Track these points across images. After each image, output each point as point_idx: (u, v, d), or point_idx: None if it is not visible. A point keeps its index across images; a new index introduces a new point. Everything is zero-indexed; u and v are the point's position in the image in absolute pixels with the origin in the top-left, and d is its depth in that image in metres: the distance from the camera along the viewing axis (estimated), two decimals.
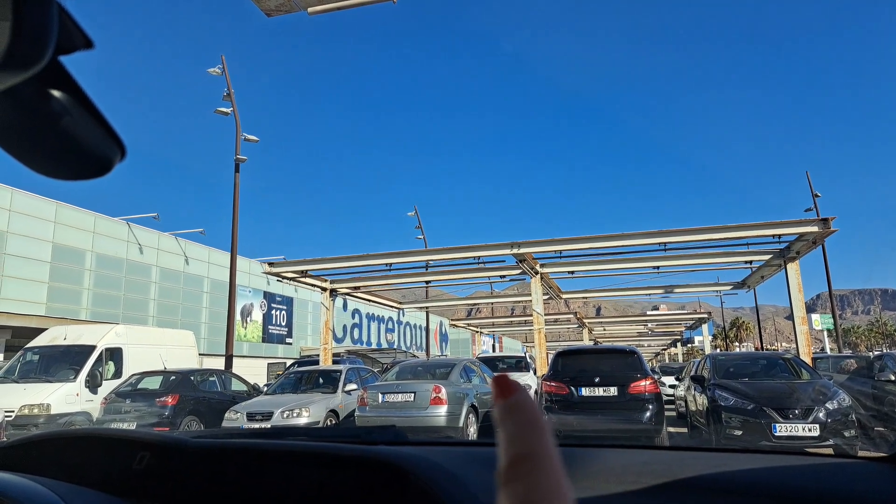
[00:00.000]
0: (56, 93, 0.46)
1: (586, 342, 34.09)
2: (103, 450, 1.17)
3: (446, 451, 1.23)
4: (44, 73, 0.43)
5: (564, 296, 22.33)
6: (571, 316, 33.19)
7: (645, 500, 0.94)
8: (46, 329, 14.17)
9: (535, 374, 15.52)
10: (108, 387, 12.28)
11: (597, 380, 9.21)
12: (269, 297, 33.83)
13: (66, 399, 11.68)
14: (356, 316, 41.51)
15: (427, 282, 20.49)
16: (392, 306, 25.09)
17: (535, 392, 13.59)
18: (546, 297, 19.00)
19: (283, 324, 35.35)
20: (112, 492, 1.06)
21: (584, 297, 24.40)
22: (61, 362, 12.55)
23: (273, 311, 34.38)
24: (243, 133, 18.26)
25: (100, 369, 12.63)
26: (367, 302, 23.81)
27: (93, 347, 12.72)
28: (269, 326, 34.00)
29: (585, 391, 9.17)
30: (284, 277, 17.95)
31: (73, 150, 0.48)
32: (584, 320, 34.81)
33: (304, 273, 17.73)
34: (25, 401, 11.21)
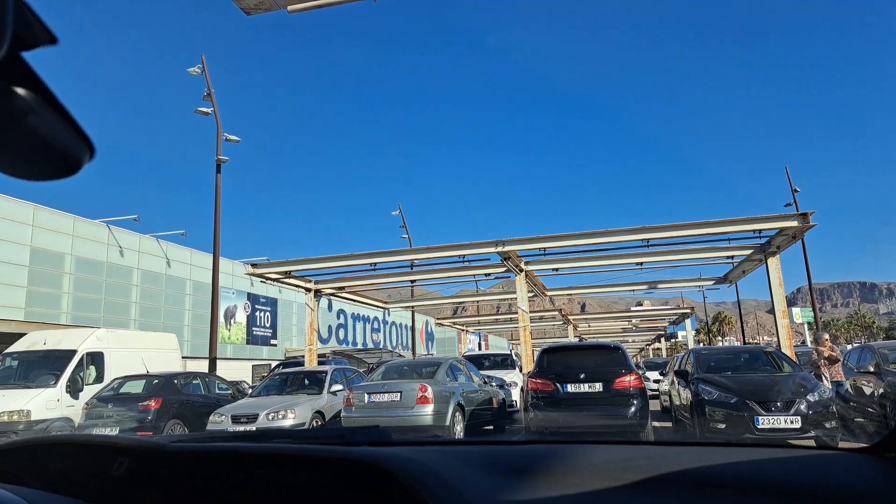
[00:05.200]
0: (19, 90, 0.44)
1: (571, 339, 34.30)
2: (81, 456, 1.15)
3: (431, 451, 1.23)
4: (5, 70, 0.41)
5: (549, 293, 22.44)
6: (556, 313, 33.39)
7: (629, 495, 0.94)
8: (25, 334, 13.92)
9: (520, 371, 15.58)
10: (89, 392, 12.10)
11: (582, 376, 9.28)
12: (253, 298, 33.56)
13: (47, 405, 11.49)
14: (341, 316, 41.33)
15: (412, 281, 20.47)
16: (377, 306, 25.02)
17: (522, 389, 13.65)
18: (531, 294, 19.08)
19: (268, 325, 35.09)
20: (90, 499, 1.04)
21: (568, 294, 24.55)
22: (41, 368, 12.34)
23: (257, 313, 34.11)
24: (224, 133, 18.08)
25: (81, 374, 12.43)
26: (352, 302, 23.72)
27: (73, 352, 12.52)
28: (254, 328, 33.73)
29: (571, 387, 9.23)
30: (268, 278, 17.81)
31: (39, 149, 0.47)
32: (569, 317, 35.03)
33: (287, 274, 17.61)
34: (5, 407, 11.01)
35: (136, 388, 11.81)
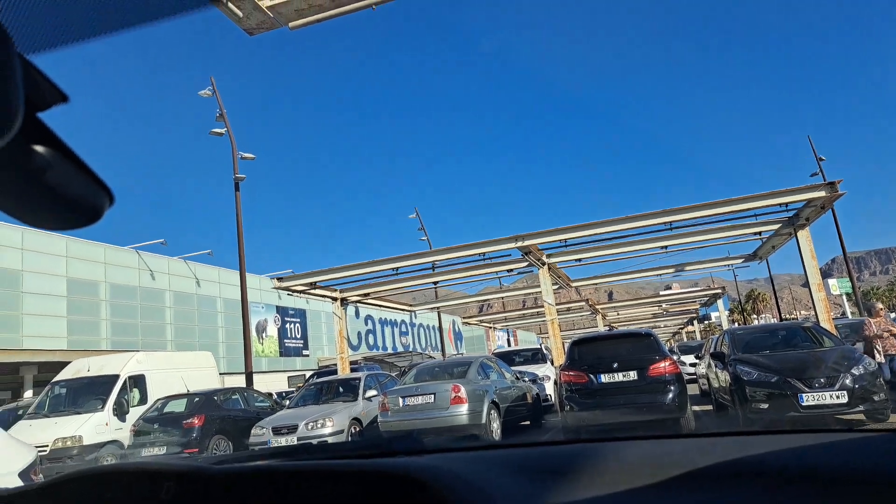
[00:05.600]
0: (38, 148, 0.47)
1: (601, 328, 33.99)
2: (130, 484, 1.19)
3: (464, 457, 1.24)
4: (23, 132, 0.44)
5: (574, 284, 22.29)
6: (583, 303, 33.11)
7: (666, 492, 0.94)
8: (70, 362, 14.34)
9: (552, 364, 15.51)
10: (135, 413, 12.42)
11: (615, 365, 9.17)
12: (282, 311, 34.00)
13: (97, 429, 11.82)
14: (369, 322, 41.61)
15: (435, 282, 20.52)
16: (403, 309, 25.17)
17: (555, 382, 13.60)
18: (556, 286, 18.98)
19: (299, 336, 35.51)
20: None
21: (594, 284, 24.32)
22: (88, 393, 12.70)
23: (287, 325, 34.54)
24: (239, 152, 18.32)
25: (125, 397, 12.77)
26: (378, 307, 23.87)
27: (116, 377, 12.86)
28: (285, 340, 34.17)
29: (605, 378, 9.14)
30: (294, 291, 18.03)
31: (61, 202, 0.50)
32: (597, 306, 34.73)
33: (313, 285, 17.80)
34: (58, 434, 11.37)
35: (178, 406, 12.07)
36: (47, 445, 11.09)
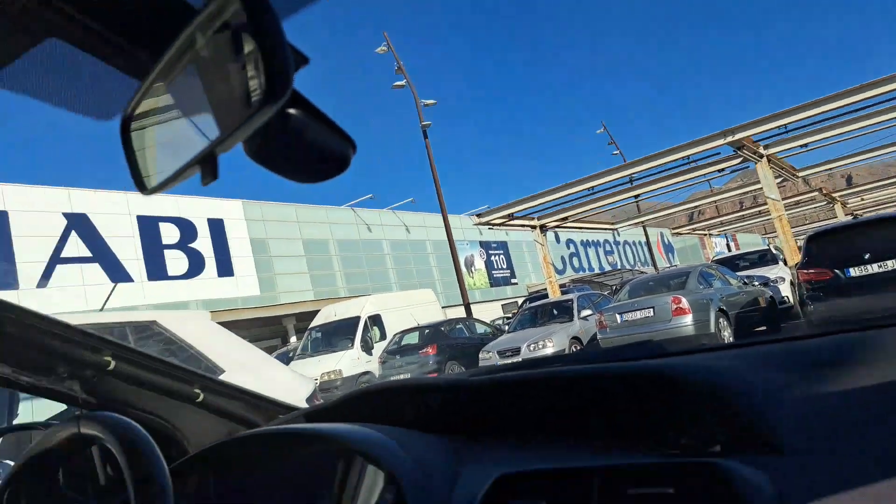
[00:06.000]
0: (292, 111, 0.54)
1: (842, 218, 29.36)
2: (403, 397, 1.41)
3: (713, 357, 1.22)
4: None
5: (801, 174, 19.42)
6: (815, 193, 28.74)
7: None
8: (319, 310, 16.89)
9: (784, 264, 13.96)
10: (378, 348, 14.34)
11: (867, 256, 7.93)
12: (486, 245, 35.44)
13: (352, 363, 13.96)
14: (571, 245, 41.37)
15: (636, 196, 19.45)
16: (604, 229, 24.45)
17: (791, 283, 12.27)
18: (779, 179, 16.75)
19: (504, 267, 36.84)
20: (423, 429, 1.29)
21: (826, 170, 20.95)
22: (338, 334, 14.96)
23: (492, 257, 36.00)
24: (421, 100, 18.94)
25: (368, 335, 14.79)
26: (578, 230, 23.52)
27: (358, 318, 14.90)
28: (493, 271, 35.73)
29: (854, 271, 7.98)
30: (494, 225, 18.55)
31: (317, 155, 0.57)
32: (833, 195, 29.94)
33: (510, 216, 18.10)
34: (322, 369, 13.66)
35: (413, 339, 13.60)
36: (316, 379, 13.35)
